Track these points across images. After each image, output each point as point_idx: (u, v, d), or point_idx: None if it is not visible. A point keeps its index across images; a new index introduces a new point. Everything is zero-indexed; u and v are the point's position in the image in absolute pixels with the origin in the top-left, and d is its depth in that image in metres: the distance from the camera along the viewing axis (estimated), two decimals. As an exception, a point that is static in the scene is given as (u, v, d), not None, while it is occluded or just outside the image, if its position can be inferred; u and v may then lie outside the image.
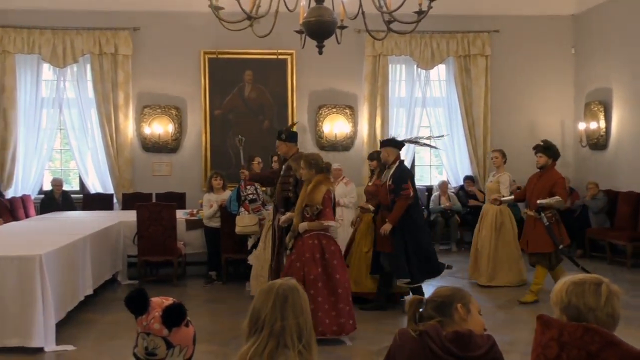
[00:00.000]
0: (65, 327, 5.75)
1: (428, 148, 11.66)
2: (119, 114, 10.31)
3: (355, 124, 10.80)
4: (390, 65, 10.82)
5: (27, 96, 10.26)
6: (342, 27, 4.99)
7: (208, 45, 10.34)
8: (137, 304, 1.96)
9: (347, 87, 10.84)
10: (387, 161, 6.62)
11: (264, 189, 7.78)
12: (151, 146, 10.46)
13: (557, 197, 6.71)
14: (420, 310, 2.45)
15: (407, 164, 10.78)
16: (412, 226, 6.45)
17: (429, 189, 11.11)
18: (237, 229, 7.31)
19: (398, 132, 10.93)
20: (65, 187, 10.37)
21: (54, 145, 10.69)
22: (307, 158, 5.86)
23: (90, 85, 10.37)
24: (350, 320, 5.51)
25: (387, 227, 6.37)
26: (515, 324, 6.14)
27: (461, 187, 10.83)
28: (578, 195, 10.14)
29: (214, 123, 10.48)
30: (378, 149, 10.44)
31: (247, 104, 10.59)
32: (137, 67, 10.40)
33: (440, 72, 11.05)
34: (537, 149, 7.05)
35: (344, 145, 10.75)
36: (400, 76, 11.00)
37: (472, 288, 7.45)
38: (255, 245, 7.28)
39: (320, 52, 4.68)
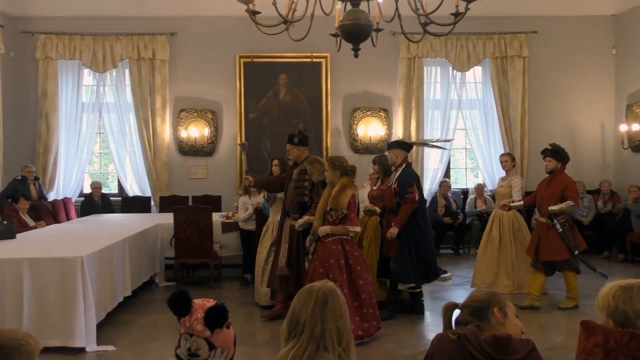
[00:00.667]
0: (105, 327, 5.86)
1: (464, 151, 11.64)
2: (157, 117, 10.47)
3: (389, 126, 10.76)
4: (425, 68, 10.75)
5: (68, 101, 10.51)
6: (378, 30, 4.99)
7: (243, 49, 10.43)
8: (180, 305, 1.98)
9: (382, 89, 10.80)
10: (395, 163, 6.51)
11: (262, 193, 7.43)
12: (187, 149, 10.60)
13: (569, 201, 6.49)
14: (455, 315, 2.43)
15: (443, 167, 10.83)
16: (417, 231, 6.36)
17: (465, 192, 11.00)
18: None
19: (433, 134, 10.89)
20: (104, 190, 10.57)
21: (93, 149, 10.92)
22: (332, 160, 5.77)
23: (128, 89, 10.57)
24: (374, 322, 5.52)
25: (393, 231, 6.26)
26: (554, 329, 6.02)
27: (497, 190, 10.68)
28: (620, 198, 9.91)
29: (249, 126, 10.56)
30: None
31: (282, 108, 10.65)
32: (174, 71, 10.56)
33: (476, 73, 10.93)
34: (545, 152, 6.85)
35: (379, 148, 10.69)
36: (435, 78, 10.92)
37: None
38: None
39: (356, 55, 4.67)
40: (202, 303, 1.99)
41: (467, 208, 10.55)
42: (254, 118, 10.59)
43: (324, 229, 5.53)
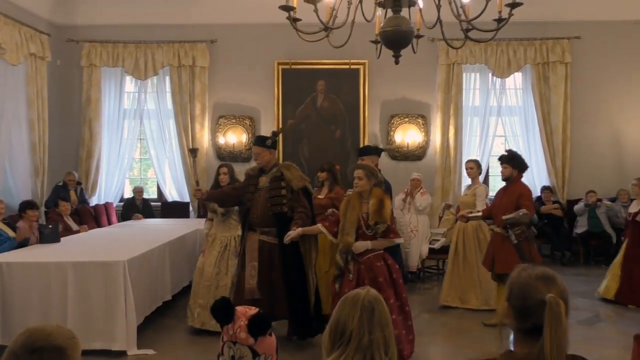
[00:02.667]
0: (145, 331, 5.92)
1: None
2: (196, 124, 10.61)
3: (427, 133, 10.67)
4: (464, 74, 10.65)
5: (110, 107, 10.74)
6: (419, 36, 4.95)
7: (281, 55, 10.50)
8: (223, 313, 1.98)
9: (420, 96, 10.73)
10: None
11: (214, 205, 6.28)
12: (226, 155, 10.70)
13: (523, 209, 6.10)
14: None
15: (482, 175, 10.64)
16: None
17: (505, 200, 10.80)
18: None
19: (472, 141, 10.77)
20: (144, 196, 10.74)
21: (134, 154, 11.13)
22: (368, 169, 5.26)
23: (169, 96, 10.74)
24: (412, 335, 5.25)
25: (365, 244, 5.84)
26: (601, 342, 5.87)
27: (538, 198, 10.48)
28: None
29: (286, 133, 10.60)
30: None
31: (320, 114, 10.67)
32: (213, 78, 10.69)
33: (516, 80, 10.77)
34: (501, 159, 6.53)
35: (416, 154, 10.63)
36: (474, 84, 10.80)
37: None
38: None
39: (397, 62, 4.64)
40: (244, 311, 2.00)
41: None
42: (292, 124, 10.63)
43: (363, 245, 4.99)
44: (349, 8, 4.53)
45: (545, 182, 10.59)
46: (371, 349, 1.94)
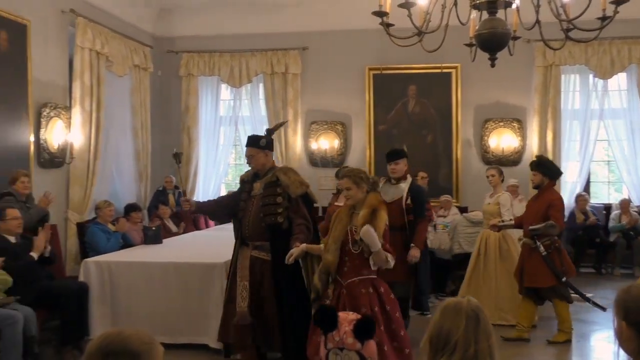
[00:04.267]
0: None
1: (604, 163, 10.89)
2: (288, 130, 10.81)
3: (523, 137, 10.32)
4: (562, 76, 10.21)
5: (207, 115, 11.17)
6: (516, 38, 4.82)
7: (372, 61, 10.51)
8: (327, 321, 2.00)
9: (515, 99, 10.40)
10: (400, 175, 5.73)
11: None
12: (318, 161, 10.83)
13: (551, 221, 5.71)
14: None
15: (582, 181, 10.18)
16: (426, 250, 5.92)
17: (607, 207, 10.28)
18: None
19: (571, 146, 10.32)
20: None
21: (229, 160, 11.50)
22: (355, 173, 4.29)
23: (262, 103, 11.02)
24: None
25: (416, 254, 5.50)
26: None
27: (644, 207, 9.89)
28: None
29: (378, 138, 10.59)
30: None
31: (411, 119, 10.58)
32: (305, 85, 10.86)
33: (620, 81, 10.20)
34: (530, 165, 6.21)
35: (512, 160, 10.30)
36: (574, 87, 10.34)
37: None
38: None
39: (493, 65, 4.55)
40: (345, 316, 2.01)
41: (610, 224, 9.85)
42: (383, 130, 10.61)
43: (370, 232, 3.87)
44: (442, 12, 4.49)
45: (653, 188, 9.97)
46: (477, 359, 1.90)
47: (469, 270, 6.93)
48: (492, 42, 4.34)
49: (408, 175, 5.77)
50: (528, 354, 5.82)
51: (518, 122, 10.31)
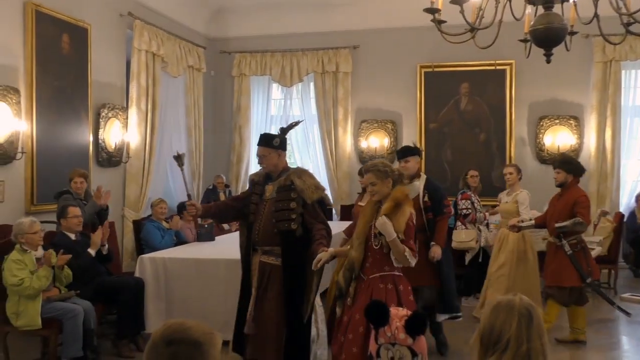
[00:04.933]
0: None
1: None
2: (339, 128, 10.83)
3: (580, 135, 10.02)
4: (623, 72, 9.87)
5: (258, 114, 11.31)
6: (573, 33, 4.69)
7: (424, 58, 10.41)
8: (379, 316, 2.02)
9: (572, 96, 10.11)
10: (412, 173, 5.51)
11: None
12: (368, 159, 10.78)
13: (578, 218, 5.55)
14: None
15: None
16: (448, 249, 5.68)
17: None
18: (454, 244, 7.21)
19: (631, 144, 9.99)
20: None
21: (284, 159, 11.59)
22: (377, 167, 4.04)
23: (313, 102, 11.07)
24: None
25: (438, 251, 5.30)
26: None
27: None
28: None
29: (429, 136, 10.49)
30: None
31: (463, 117, 10.43)
32: (355, 83, 10.85)
33: (685, 76, 9.80)
34: (554, 163, 6.02)
35: (568, 158, 10.02)
36: (635, 83, 9.99)
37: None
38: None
39: (549, 61, 4.43)
40: (395, 312, 2.02)
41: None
42: (435, 128, 10.50)
43: (385, 223, 3.74)
44: (496, 7, 4.41)
45: None
46: (529, 358, 1.87)
47: (489, 272, 6.70)
48: (548, 37, 4.23)
49: (422, 173, 5.70)
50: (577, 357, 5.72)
51: (575, 120, 10.03)
